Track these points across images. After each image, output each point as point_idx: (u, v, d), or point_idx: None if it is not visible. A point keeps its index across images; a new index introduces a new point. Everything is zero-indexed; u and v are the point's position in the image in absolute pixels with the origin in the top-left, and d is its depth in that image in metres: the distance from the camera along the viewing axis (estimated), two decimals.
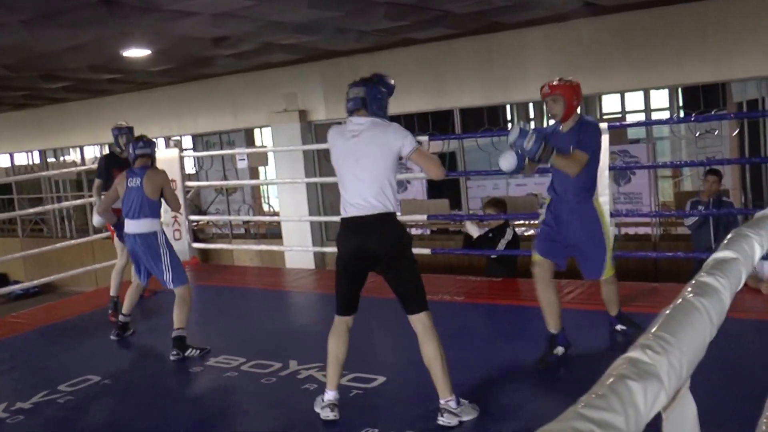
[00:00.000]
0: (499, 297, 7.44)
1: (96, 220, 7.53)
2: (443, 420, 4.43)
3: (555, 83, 5.30)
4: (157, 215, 6.58)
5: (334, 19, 8.91)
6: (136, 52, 10.08)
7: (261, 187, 16.44)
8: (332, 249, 11.53)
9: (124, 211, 6.56)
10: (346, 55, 11.97)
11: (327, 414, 4.65)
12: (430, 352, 4.44)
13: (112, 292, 7.79)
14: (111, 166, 7.94)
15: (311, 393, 5.12)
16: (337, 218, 11.41)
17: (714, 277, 1.28)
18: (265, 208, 16.28)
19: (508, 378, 5.26)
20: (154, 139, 6.99)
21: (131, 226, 6.51)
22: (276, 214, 14.69)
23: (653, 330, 1.04)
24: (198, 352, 6.27)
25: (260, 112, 13.27)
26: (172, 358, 6.28)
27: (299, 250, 11.94)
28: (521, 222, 11.61)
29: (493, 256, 8.40)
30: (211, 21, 8.32)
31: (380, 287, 4.96)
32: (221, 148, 14.96)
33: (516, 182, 12.18)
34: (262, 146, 14.92)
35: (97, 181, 8.11)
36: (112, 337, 7.01)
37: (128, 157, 6.75)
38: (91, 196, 9.46)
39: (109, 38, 8.97)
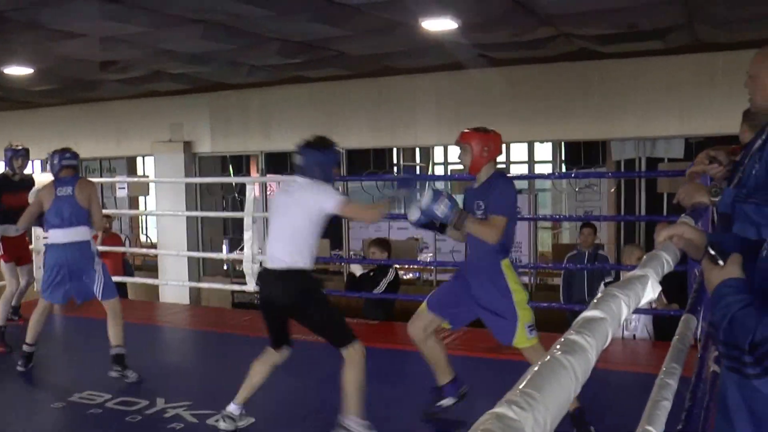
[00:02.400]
0: (377, 340, 7.46)
1: None
2: None
3: (466, 131, 5.01)
4: (89, 224, 6.34)
5: (227, 52, 8.89)
6: (17, 70, 9.79)
7: (140, 217, 16.15)
8: (208, 285, 11.45)
9: (55, 222, 6.26)
10: (235, 88, 11.95)
11: (219, 424, 4.96)
12: (349, 376, 4.77)
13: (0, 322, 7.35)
14: (1, 189, 7.65)
15: None
16: (216, 255, 11.22)
17: (582, 335, 1.33)
18: (143, 239, 15.98)
19: (382, 422, 5.27)
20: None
21: (63, 235, 6.22)
22: (154, 246, 14.43)
23: (520, 387, 1.08)
24: (136, 377, 6.09)
25: (144, 140, 13.09)
26: (113, 375, 6.06)
27: (174, 284, 11.72)
28: (400, 266, 11.78)
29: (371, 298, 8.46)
30: (100, 44, 8.18)
31: None
32: (101, 175, 14.65)
33: (398, 225, 12.32)
34: (144, 176, 14.69)
35: None
36: (18, 369, 6.51)
37: (51, 169, 6.52)
38: None
39: None
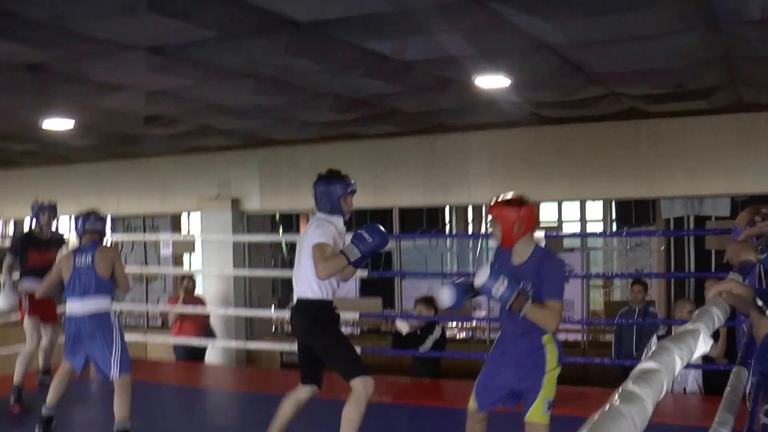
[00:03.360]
0: (427, 398, 7.54)
1: (3, 302, 7.41)
2: None
3: (496, 202, 4.78)
4: (110, 294, 6.42)
5: (278, 107, 9.01)
6: (57, 124, 9.68)
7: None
8: (257, 345, 11.55)
9: (71, 292, 6.32)
10: (285, 144, 12.12)
11: None
12: (348, 413, 5.01)
13: (15, 380, 7.38)
14: (28, 245, 7.73)
15: None
16: (263, 313, 11.29)
17: (639, 386, 1.44)
18: None
19: None
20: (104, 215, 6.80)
21: (80, 306, 6.26)
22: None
23: None
24: None
25: (190, 197, 13.24)
26: None
27: (221, 345, 11.82)
28: (453, 324, 11.99)
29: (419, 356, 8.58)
30: (145, 98, 8.22)
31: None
32: (144, 232, 14.83)
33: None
34: (189, 234, 14.88)
35: (8, 258, 7.82)
36: None
37: (50, 235, 6.63)
38: None
39: (27, 106, 8.62)
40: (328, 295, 5.25)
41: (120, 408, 6.20)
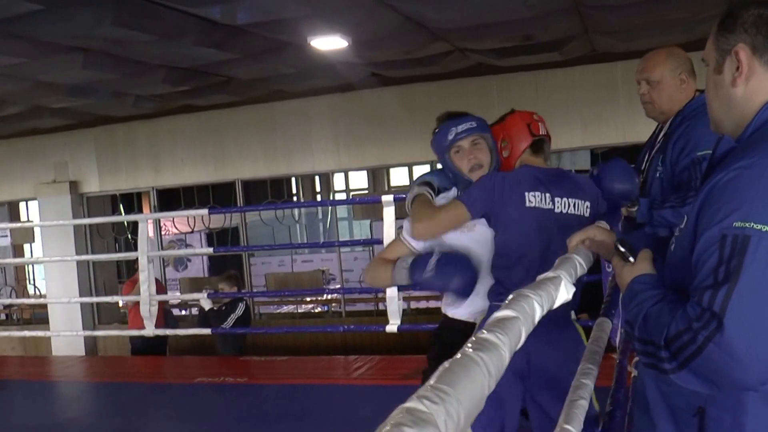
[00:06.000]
0: (287, 377, 7.45)
1: None
2: None
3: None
4: None
5: (110, 82, 8.76)
6: None
7: (26, 267, 15.68)
8: (104, 333, 11.19)
9: None
10: (121, 121, 11.81)
11: None
12: None
13: None
14: None
15: None
16: (109, 298, 10.98)
17: (494, 333, 1.34)
18: (31, 290, 15.52)
19: None
20: None
21: None
22: (43, 296, 14.03)
23: (431, 382, 1.08)
24: None
25: (26, 182, 12.79)
26: None
27: (68, 334, 11.40)
28: (310, 299, 11.85)
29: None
30: None
31: None
32: None
33: (302, 258, 12.37)
34: (28, 221, 14.33)
35: None
36: None
37: None
38: None
39: None
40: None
41: None
